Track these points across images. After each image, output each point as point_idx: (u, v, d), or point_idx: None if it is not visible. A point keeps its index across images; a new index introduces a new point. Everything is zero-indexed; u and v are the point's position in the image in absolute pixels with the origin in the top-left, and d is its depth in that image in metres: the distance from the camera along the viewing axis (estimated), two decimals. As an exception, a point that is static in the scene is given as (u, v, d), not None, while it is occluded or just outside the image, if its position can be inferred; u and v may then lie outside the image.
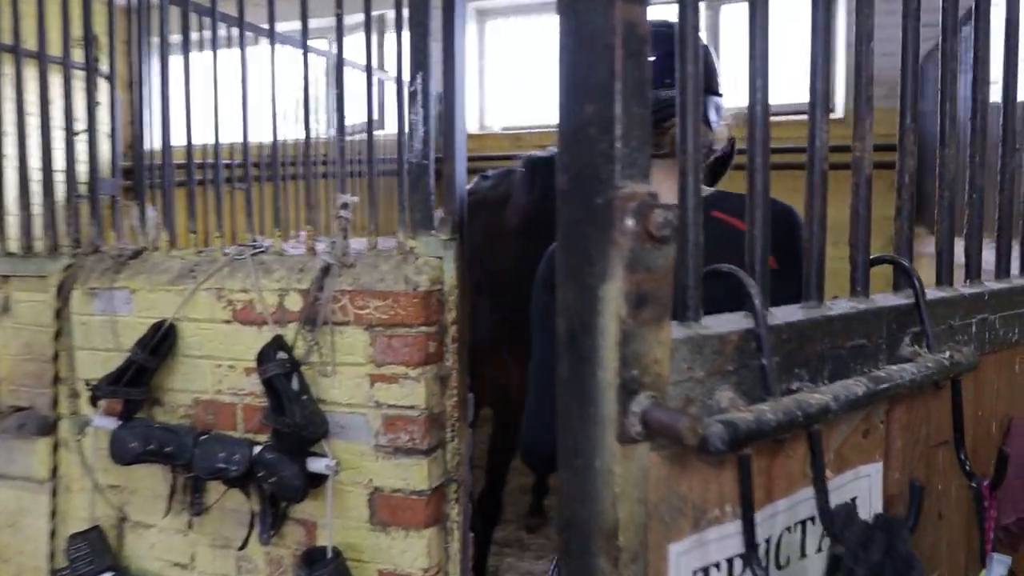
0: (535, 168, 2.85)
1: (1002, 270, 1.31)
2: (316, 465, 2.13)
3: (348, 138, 5.18)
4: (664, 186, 1.62)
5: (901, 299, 1.00)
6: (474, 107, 6.72)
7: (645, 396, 0.60)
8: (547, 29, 6.96)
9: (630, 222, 0.57)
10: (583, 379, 0.61)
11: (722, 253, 1.57)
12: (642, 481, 0.62)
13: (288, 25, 3.71)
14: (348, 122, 3.48)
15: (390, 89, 5.54)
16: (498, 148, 6.49)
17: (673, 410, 0.57)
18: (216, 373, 2.33)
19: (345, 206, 2.26)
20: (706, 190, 1.60)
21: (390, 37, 6.44)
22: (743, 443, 0.64)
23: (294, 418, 2.07)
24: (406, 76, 2.22)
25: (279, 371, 2.12)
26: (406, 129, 2.24)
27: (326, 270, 2.20)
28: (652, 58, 1.53)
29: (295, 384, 2.14)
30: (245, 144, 2.47)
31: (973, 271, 1.23)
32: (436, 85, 2.44)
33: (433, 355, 2.15)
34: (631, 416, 0.59)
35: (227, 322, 2.31)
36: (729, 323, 0.74)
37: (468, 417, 2.26)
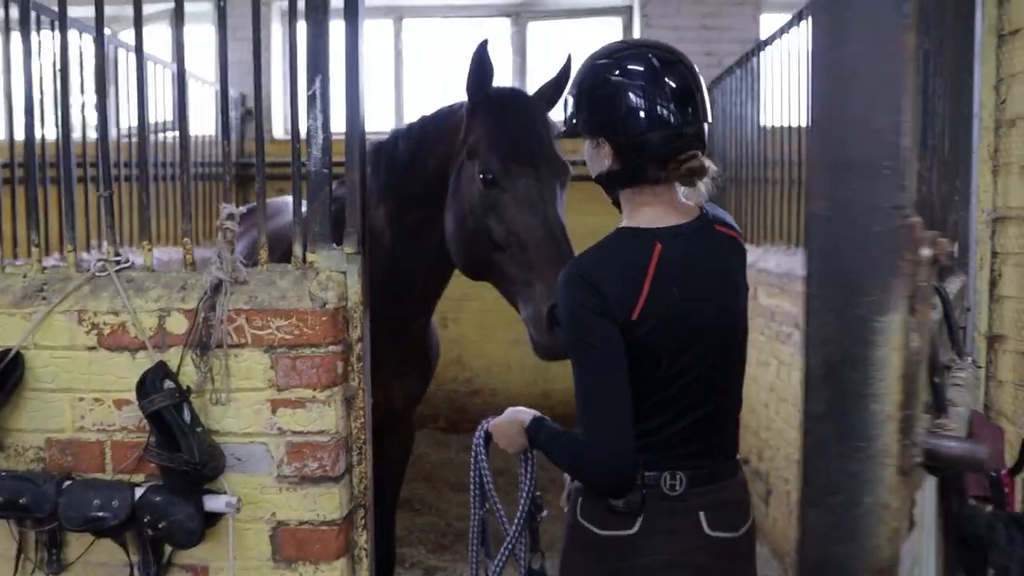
0: (379, 153, 2.66)
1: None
2: (215, 504, 1.92)
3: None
4: (660, 210, 1.66)
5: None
6: (279, 111, 6.42)
7: (920, 426, 0.60)
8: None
9: (926, 251, 0.57)
10: (849, 413, 0.60)
11: (731, 259, 1.69)
12: (905, 512, 0.62)
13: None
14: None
15: (199, 90, 5.11)
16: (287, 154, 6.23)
17: (966, 439, 0.58)
18: (77, 408, 2.03)
19: (231, 216, 2.06)
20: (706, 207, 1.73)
21: (192, 29, 5.96)
22: (959, 462, 0.67)
23: (192, 454, 1.85)
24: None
25: (168, 402, 1.88)
26: (302, 135, 2.09)
27: (217, 287, 1.99)
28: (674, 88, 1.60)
29: (187, 415, 1.91)
30: (104, 140, 2.17)
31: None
32: (240, 87, 2.25)
33: (341, 376, 2.02)
34: (913, 448, 0.59)
35: (91, 349, 2.02)
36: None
37: (371, 439, 2.15)
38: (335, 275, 2.04)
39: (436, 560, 4.33)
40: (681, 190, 1.70)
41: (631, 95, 1.61)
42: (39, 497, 1.92)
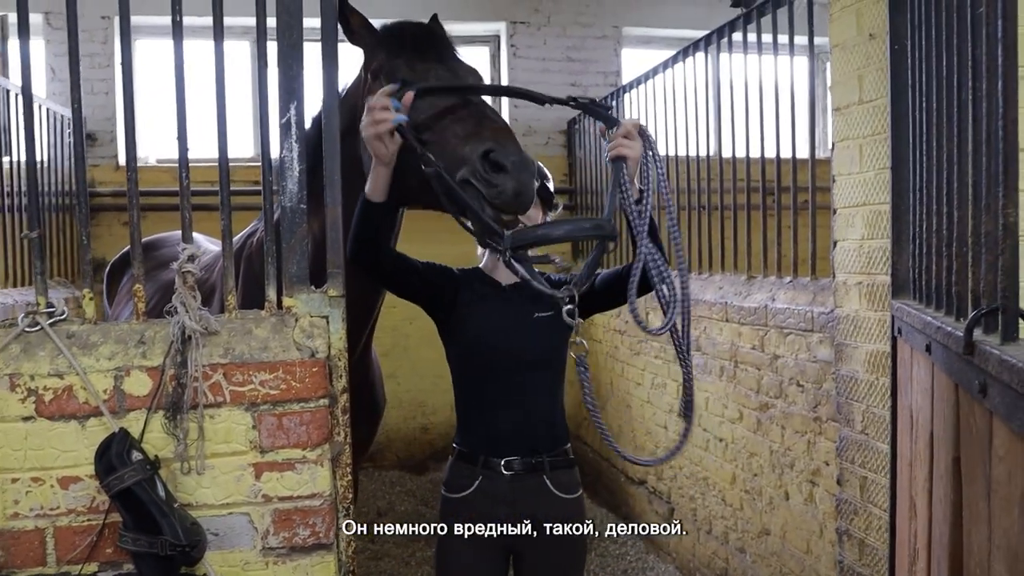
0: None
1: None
2: (197, 590, 1.67)
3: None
4: None
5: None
6: (119, 136, 5.86)
7: None
8: (199, 54, 6.36)
9: None
10: None
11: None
12: None
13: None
14: None
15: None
16: (156, 182, 5.72)
17: None
18: (9, 492, 1.69)
19: (192, 258, 1.82)
20: None
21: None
22: None
23: (177, 535, 1.59)
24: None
25: (140, 476, 1.62)
26: (272, 166, 1.89)
27: (187, 340, 1.74)
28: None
29: (160, 491, 1.65)
30: (32, 168, 1.85)
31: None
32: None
33: (329, 431, 1.83)
34: None
35: (28, 419, 1.70)
36: None
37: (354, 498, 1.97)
38: (317, 320, 1.85)
39: None
40: None
41: None
42: (-28, 605, 1.58)
